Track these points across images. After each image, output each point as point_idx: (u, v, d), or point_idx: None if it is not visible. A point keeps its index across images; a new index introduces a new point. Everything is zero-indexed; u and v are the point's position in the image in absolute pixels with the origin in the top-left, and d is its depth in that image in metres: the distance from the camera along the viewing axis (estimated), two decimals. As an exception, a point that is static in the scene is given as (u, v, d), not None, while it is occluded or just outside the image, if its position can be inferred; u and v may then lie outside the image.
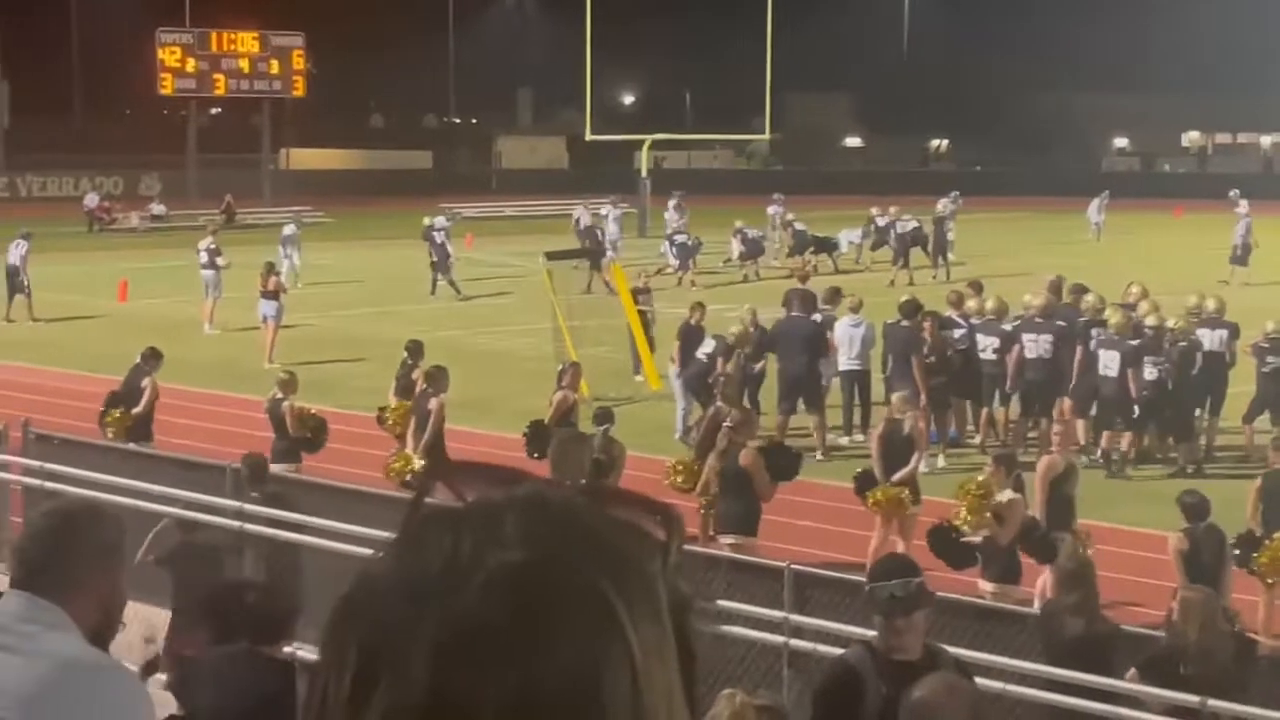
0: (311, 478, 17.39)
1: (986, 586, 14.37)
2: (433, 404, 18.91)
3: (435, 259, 41.09)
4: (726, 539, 15.91)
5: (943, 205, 47.84)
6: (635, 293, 27.45)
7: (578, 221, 48.89)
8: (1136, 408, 22.09)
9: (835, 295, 25.65)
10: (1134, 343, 22.23)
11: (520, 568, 1.24)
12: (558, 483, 1.35)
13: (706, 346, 23.79)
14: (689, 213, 49.36)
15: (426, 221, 42.15)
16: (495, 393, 26.29)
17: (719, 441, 16.60)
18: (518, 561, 1.24)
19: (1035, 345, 22.94)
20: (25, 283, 36.44)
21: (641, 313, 27.34)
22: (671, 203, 48.99)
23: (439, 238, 41.36)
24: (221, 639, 9.12)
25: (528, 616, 1.23)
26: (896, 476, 17.13)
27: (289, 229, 42.47)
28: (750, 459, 15.93)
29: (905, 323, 23.12)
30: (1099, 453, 22.35)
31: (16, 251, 36.65)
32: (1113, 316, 22.74)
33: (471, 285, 41.96)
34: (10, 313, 36.47)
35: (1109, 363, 22.10)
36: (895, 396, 18.80)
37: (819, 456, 22.40)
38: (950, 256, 45.91)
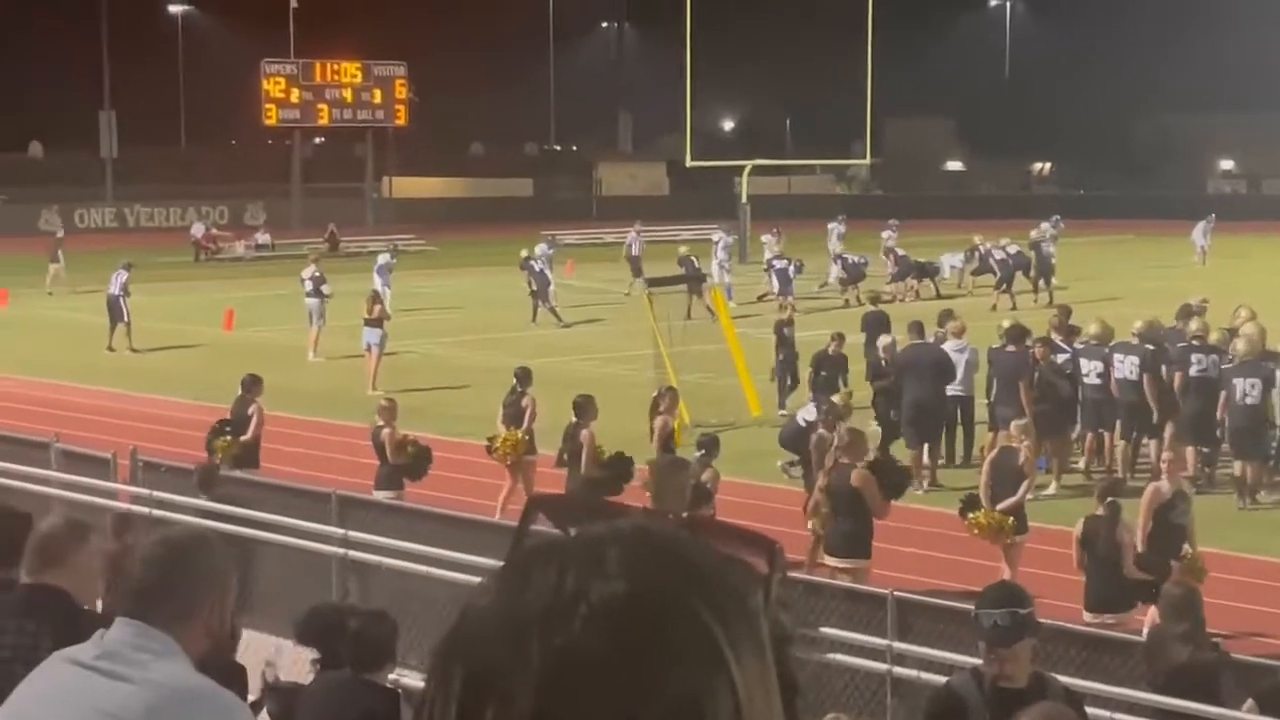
0: (410, 504, 17.48)
1: (1088, 616, 14.23)
2: (584, 436, 18.99)
3: (535, 287, 41.24)
4: (840, 563, 15.79)
5: (1043, 229, 47.51)
6: (780, 325, 27.19)
7: (630, 247, 49.11)
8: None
9: (947, 318, 25.45)
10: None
11: (624, 600, 1.25)
12: (659, 515, 1.36)
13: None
14: (784, 237, 49.27)
15: (524, 254, 42.37)
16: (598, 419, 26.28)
17: (827, 462, 16.51)
18: (621, 593, 1.26)
19: (1122, 366, 22.68)
20: (126, 312, 36.78)
21: (788, 344, 27.05)
22: (766, 236, 48.80)
23: (537, 266, 41.54)
24: (325, 665, 9.18)
25: (632, 648, 1.24)
26: (1002, 505, 16.97)
27: (383, 258, 42.74)
28: (862, 479, 15.84)
29: (1011, 348, 22.90)
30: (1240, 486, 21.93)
31: (117, 281, 37.00)
32: (1238, 344, 22.42)
33: (572, 312, 42.07)
34: (111, 342, 36.82)
35: (1248, 390, 21.77)
36: (1014, 425, 18.61)
37: (924, 488, 22.16)
38: (1053, 281, 45.54)
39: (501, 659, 1.25)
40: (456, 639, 1.30)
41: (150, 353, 36.48)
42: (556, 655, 1.23)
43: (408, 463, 19.12)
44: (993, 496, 17.20)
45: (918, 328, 24.09)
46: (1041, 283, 44.97)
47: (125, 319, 36.70)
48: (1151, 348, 22.88)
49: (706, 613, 1.27)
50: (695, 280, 38.61)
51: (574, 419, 19.30)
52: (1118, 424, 23.13)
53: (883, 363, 23.90)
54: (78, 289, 47.41)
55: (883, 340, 24.76)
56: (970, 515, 17.12)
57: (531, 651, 1.24)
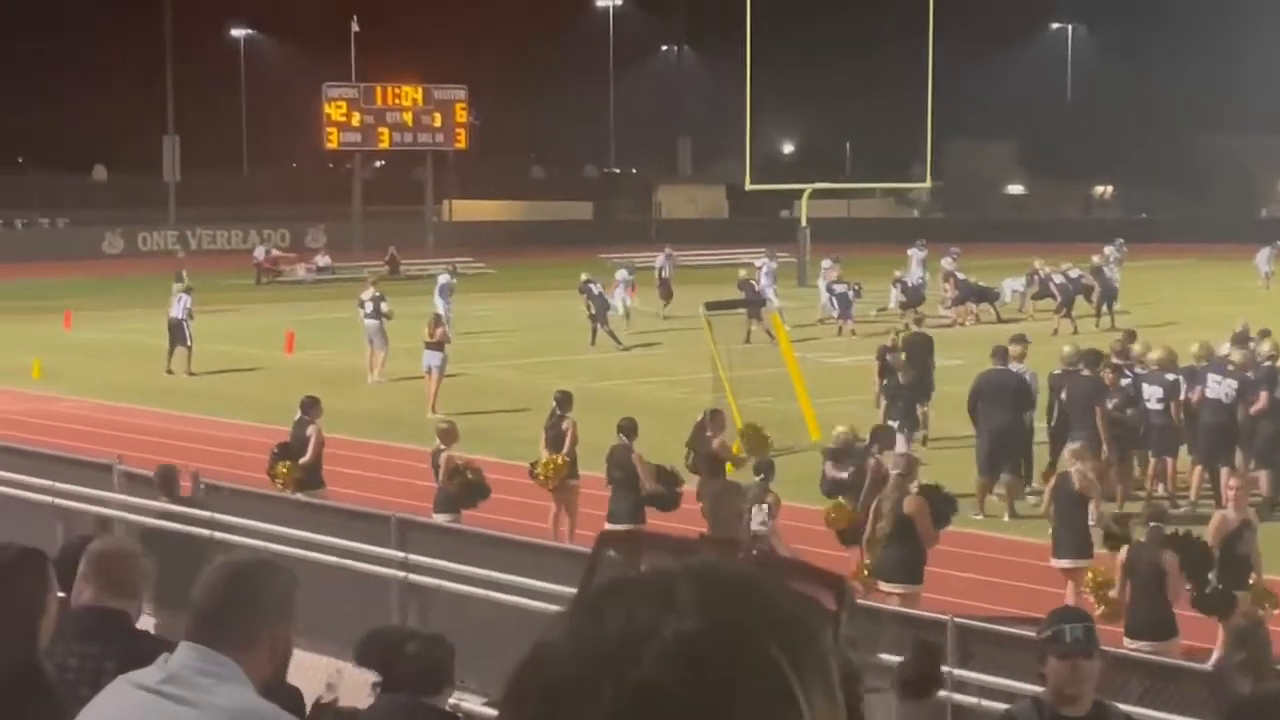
0: (469, 527, 17.51)
1: (1128, 642, 14.11)
2: (633, 457, 19.11)
3: (594, 310, 41.30)
4: (892, 588, 15.75)
5: (1107, 253, 47.32)
6: (884, 350, 27.10)
7: (660, 271, 49.23)
8: None
9: (1020, 342, 25.27)
10: None
11: (695, 637, 1.25)
12: (730, 552, 1.36)
13: None
14: (844, 262, 49.19)
15: (583, 276, 42.48)
16: (656, 444, 26.30)
17: (886, 489, 16.44)
18: (693, 630, 1.26)
19: (1219, 387, 22.47)
20: (189, 336, 36.89)
21: (891, 371, 26.90)
22: (826, 261, 48.65)
23: (596, 289, 41.63)
24: (386, 688, 9.20)
25: (703, 686, 1.24)
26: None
27: (444, 278, 42.89)
28: (915, 505, 15.79)
29: (1087, 372, 22.72)
30: None
31: (180, 305, 37.09)
32: None
33: (630, 335, 42.11)
34: (170, 364, 36.93)
35: None
36: (1067, 448, 18.51)
37: (1006, 518, 22.00)
38: (1116, 305, 45.26)
39: (574, 693, 1.26)
40: (529, 672, 1.31)
41: (211, 375, 36.66)
42: (629, 691, 1.24)
43: (459, 491, 19.10)
44: (1055, 523, 17.12)
45: (1001, 354, 23.70)
46: (1104, 307, 44.67)
47: (188, 342, 36.79)
48: (1250, 374, 22.73)
49: (777, 650, 1.27)
50: (754, 304, 38.54)
51: (623, 439, 19.39)
52: (1181, 449, 22.99)
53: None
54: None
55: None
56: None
57: (603, 686, 1.24)
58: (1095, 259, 47.01)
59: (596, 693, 1.25)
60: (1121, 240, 49.75)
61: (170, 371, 36.62)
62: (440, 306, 39.48)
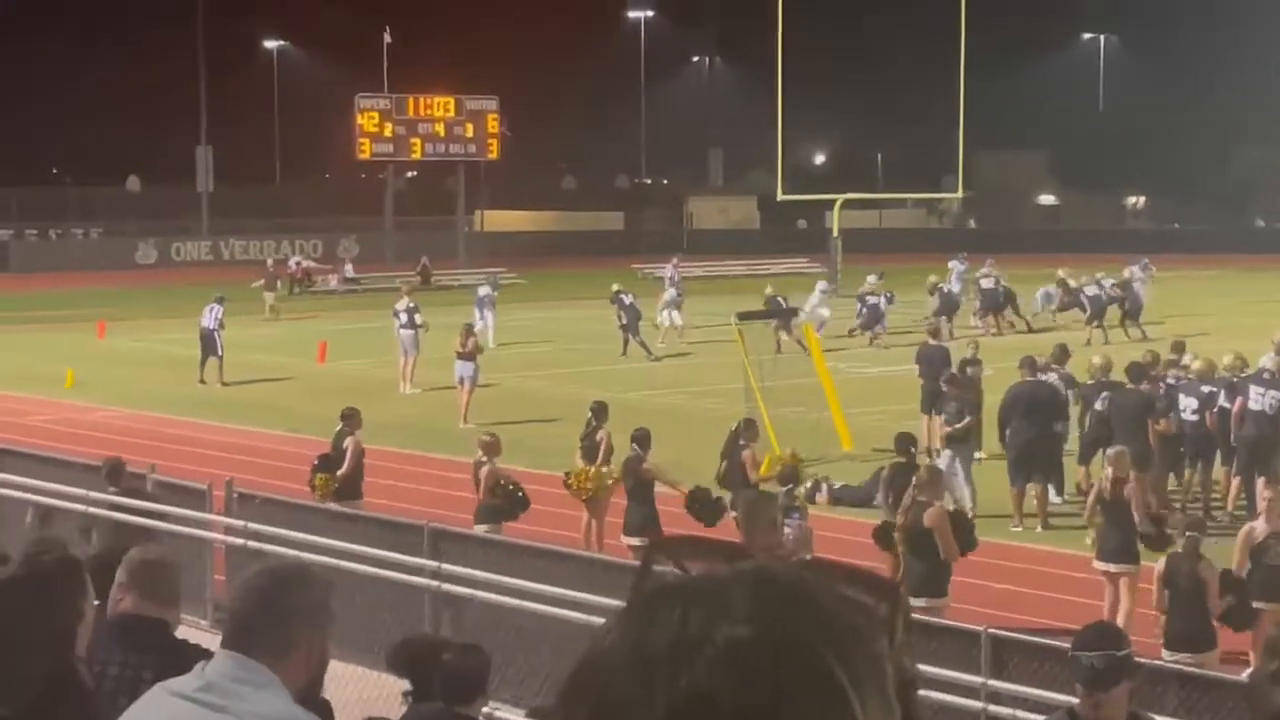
0: (502, 537, 17.52)
1: (1166, 654, 14.05)
2: (646, 468, 19.07)
3: (625, 320, 41.32)
4: (916, 601, 15.64)
5: (1129, 272, 47.28)
6: (964, 364, 26.99)
7: (670, 279, 48.16)
8: None
9: (1063, 353, 25.20)
10: None
11: (749, 643, 1.24)
12: (781, 557, 1.35)
13: None
14: (885, 279, 49.16)
15: (615, 287, 42.52)
16: (688, 454, 26.30)
17: (905, 500, 16.36)
18: (746, 637, 1.25)
19: (1261, 399, 22.36)
20: (220, 346, 36.94)
21: (972, 384, 26.73)
22: (871, 278, 48.51)
23: (627, 299, 41.65)
24: (417, 698, 9.19)
25: (757, 692, 1.23)
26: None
27: (484, 290, 42.93)
28: (936, 518, 15.69)
29: (1130, 385, 22.64)
30: None
31: (212, 315, 37.19)
32: None
33: (660, 346, 42.14)
34: (203, 375, 37.01)
35: None
36: (1108, 454, 18.41)
37: (1039, 529, 21.95)
38: (1141, 319, 45.03)
39: (627, 698, 1.25)
40: (582, 677, 1.30)
41: (245, 385, 36.74)
42: (682, 696, 1.23)
43: (499, 504, 19.06)
44: (1101, 528, 17.07)
45: (1030, 364, 23.67)
46: (1129, 322, 44.62)
47: (219, 353, 36.83)
48: None
49: (831, 656, 1.26)
50: (786, 314, 38.47)
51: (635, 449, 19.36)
52: (1216, 458, 22.92)
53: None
54: (282, 316, 51.18)
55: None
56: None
57: (657, 692, 1.24)
58: (1125, 273, 46.91)
59: (650, 699, 1.24)
60: (1147, 260, 49.62)
61: (203, 382, 36.68)
62: (484, 319, 39.46)
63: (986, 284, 47.12)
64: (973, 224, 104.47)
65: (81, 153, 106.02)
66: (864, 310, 43.81)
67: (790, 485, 16.92)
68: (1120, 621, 15.94)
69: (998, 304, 46.39)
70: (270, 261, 59.28)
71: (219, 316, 37.03)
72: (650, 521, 18.70)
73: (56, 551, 5.80)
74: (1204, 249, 78.52)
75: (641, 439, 19.38)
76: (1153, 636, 14.58)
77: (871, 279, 46.15)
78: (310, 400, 33.22)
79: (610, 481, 20.22)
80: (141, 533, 16.05)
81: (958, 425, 22.88)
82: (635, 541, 18.04)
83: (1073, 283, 46.64)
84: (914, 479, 16.53)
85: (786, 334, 36.79)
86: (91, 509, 16.88)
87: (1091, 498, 17.82)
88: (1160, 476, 22.41)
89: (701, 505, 18.57)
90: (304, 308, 57.59)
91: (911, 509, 15.99)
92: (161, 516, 16.11)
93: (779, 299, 42.59)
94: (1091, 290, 45.19)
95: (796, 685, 1.24)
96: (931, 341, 29.29)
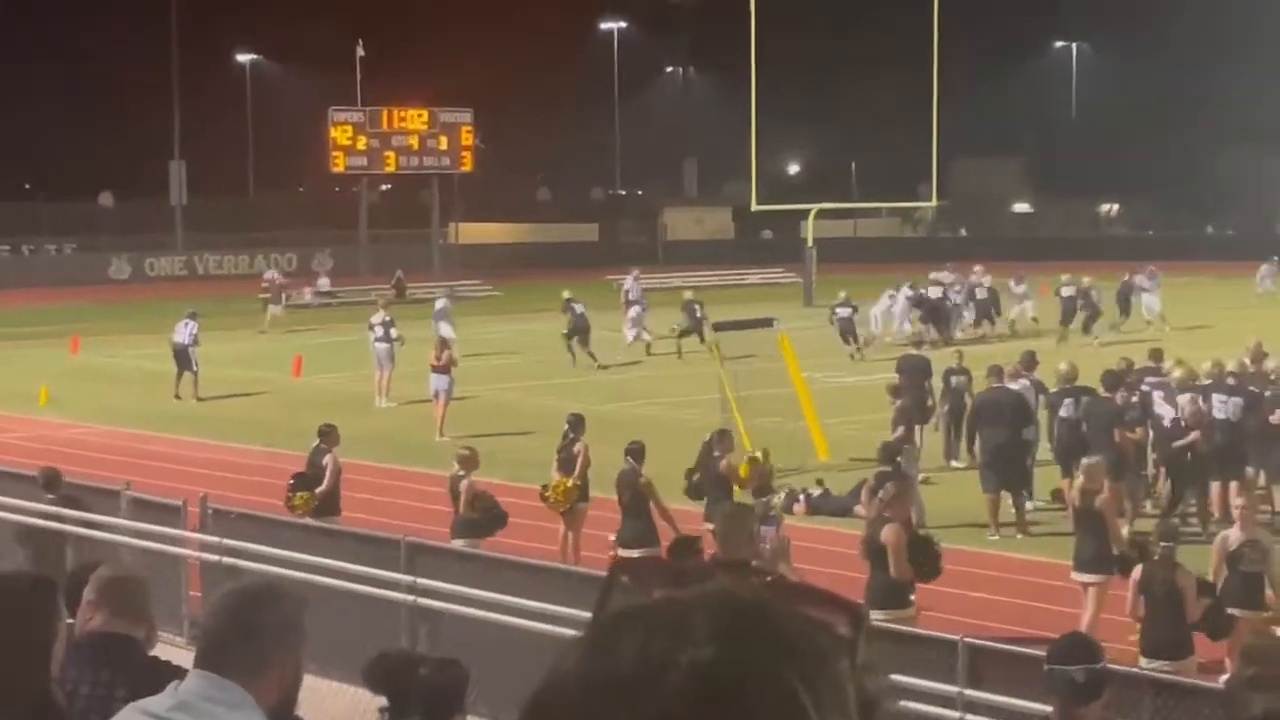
0: (478, 551, 17.49)
1: (1144, 662, 14.04)
2: (642, 482, 19.01)
3: (570, 329, 41.59)
4: (877, 614, 15.40)
5: (1138, 280, 48.11)
6: (947, 373, 26.95)
7: (627, 293, 47.27)
8: None
9: (1030, 360, 25.27)
10: None
11: (712, 666, 1.24)
12: (743, 579, 1.35)
13: None
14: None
15: (566, 295, 42.76)
16: (666, 466, 26.31)
17: (870, 511, 16.29)
18: (709, 660, 1.24)
19: (1224, 407, 22.46)
20: (194, 362, 36.81)
21: (957, 394, 26.66)
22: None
23: (578, 308, 41.85)
24: (394, 714, 9.16)
25: (719, 714, 1.22)
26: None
27: (441, 303, 42.83)
28: (892, 535, 15.40)
29: (1106, 394, 22.69)
30: None
31: (186, 331, 37.03)
32: None
33: (639, 357, 42.16)
34: (178, 390, 36.88)
35: None
36: (1083, 463, 18.45)
37: (1019, 537, 22.00)
38: (1095, 326, 45.51)
39: (589, 724, 1.24)
40: (543, 702, 1.29)
41: (220, 399, 36.65)
42: (646, 720, 1.22)
43: (479, 519, 19.00)
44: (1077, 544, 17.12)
45: (997, 372, 23.84)
46: (1091, 326, 45.30)
47: (194, 368, 36.73)
48: (1255, 390, 22.76)
49: (794, 678, 1.26)
50: (762, 324, 38.47)
51: (629, 463, 19.30)
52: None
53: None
54: (291, 328, 51.62)
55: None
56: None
57: (619, 716, 1.23)
58: (1086, 279, 47.26)
59: (611, 723, 1.23)
60: (1153, 268, 50.20)
61: (178, 397, 36.57)
62: (442, 330, 39.46)
63: (981, 294, 47.67)
64: (947, 233, 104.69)
65: (54, 168, 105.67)
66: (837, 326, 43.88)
67: (767, 497, 16.87)
68: (1085, 628, 16.03)
69: (988, 312, 47.24)
70: (275, 274, 59.10)
71: (194, 332, 36.93)
72: (647, 534, 18.62)
73: (29, 572, 5.78)
74: (1178, 256, 78.72)
75: (636, 452, 19.32)
76: (1126, 643, 14.61)
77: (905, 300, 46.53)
78: (286, 414, 33.16)
79: (579, 498, 20.24)
80: (109, 548, 16.03)
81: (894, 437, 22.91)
82: (634, 554, 17.97)
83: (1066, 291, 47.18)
84: (880, 492, 16.49)
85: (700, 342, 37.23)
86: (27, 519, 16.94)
87: (1072, 507, 17.87)
88: (1134, 484, 22.47)
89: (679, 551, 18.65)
90: (277, 320, 57.40)
91: (875, 522, 15.89)
92: (102, 526, 16.17)
93: (695, 304, 42.78)
94: (1068, 292, 46.00)
95: (760, 708, 1.24)
96: (914, 351, 29.37)
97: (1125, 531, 21.68)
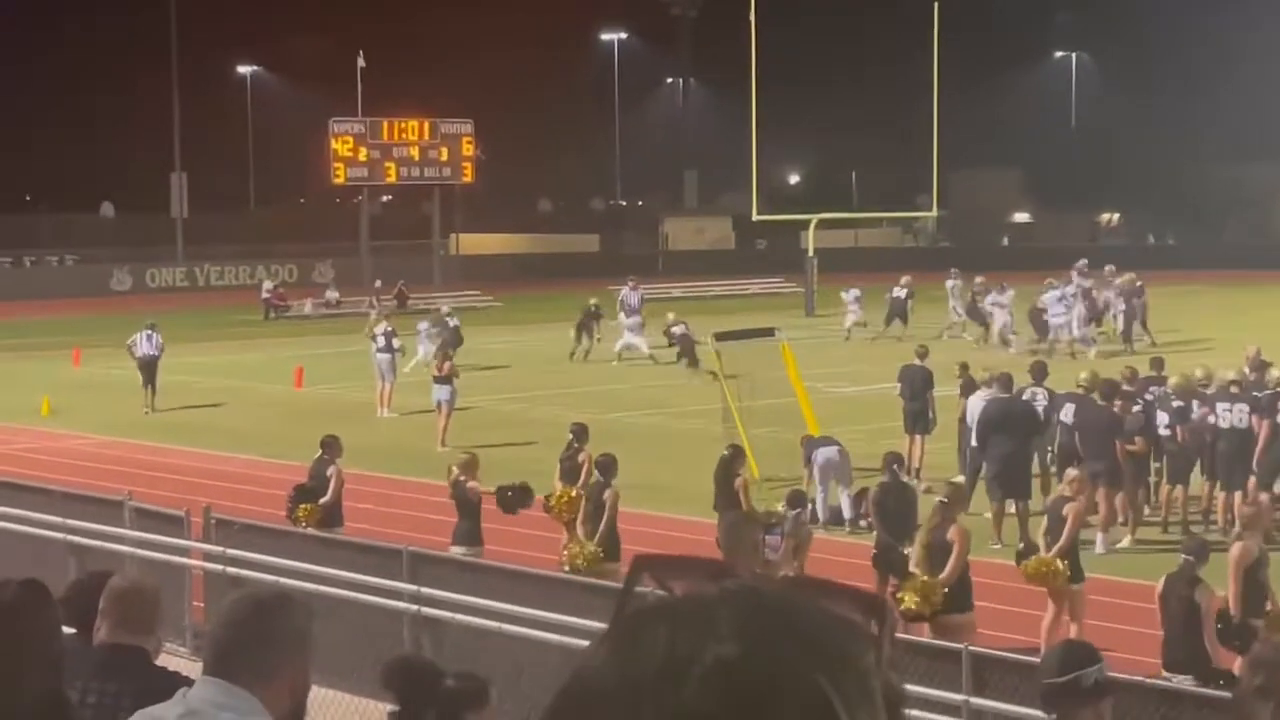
0: (481, 560, 17.46)
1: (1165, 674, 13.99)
2: (607, 495, 18.68)
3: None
4: (948, 618, 15.38)
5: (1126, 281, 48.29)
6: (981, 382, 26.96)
7: (623, 301, 46.80)
8: None
9: (1042, 372, 25.16)
10: None
11: (737, 662, 1.24)
12: (768, 575, 1.35)
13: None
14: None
15: (593, 301, 43.07)
16: (666, 475, 26.31)
17: (931, 518, 16.30)
18: (734, 656, 1.24)
19: (1229, 415, 22.44)
20: (158, 373, 36.47)
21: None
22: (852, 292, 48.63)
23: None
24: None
25: (745, 711, 1.22)
26: (1054, 550, 16.80)
27: (423, 324, 42.52)
28: (959, 533, 15.71)
29: (1101, 402, 22.67)
30: None
31: (151, 343, 36.63)
32: None
33: (641, 366, 42.15)
34: (154, 402, 36.59)
35: None
36: (1068, 472, 18.46)
37: (1020, 545, 21.97)
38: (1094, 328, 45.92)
39: (615, 720, 1.24)
40: (568, 699, 1.29)
41: (223, 409, 36.66)
42: (670, 718, 1.22)
43: (512, 497, 18.87)
44: (1050, 545, 17.10)
45: (1006, 381, 23.66)
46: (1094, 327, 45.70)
47: (156, 380, 36.46)
48: (1260, 394, 22.76)
49: (820, 675, 1.25)
50: (762, 334, 38.52)
51: (597, 476, 19.06)
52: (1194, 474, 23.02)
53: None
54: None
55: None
56: (1023, 563, 17.04)
57: (645, 713, 1.23)
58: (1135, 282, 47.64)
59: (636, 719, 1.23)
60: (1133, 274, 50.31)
61: (150, 411, 36.24)
62: (422, 349, 39.51)
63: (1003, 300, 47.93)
64: (947, 243, 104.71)
65: (55, 180, 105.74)
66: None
67: (798, 510, 16.97)
68: (1045, 630, 16.16)
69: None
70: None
71: (159, 343, 36.74)
72: (610, 550, 18.39)
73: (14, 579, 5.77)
74: (1178, 265, 78.74)
75: (605, 466, 19.03)
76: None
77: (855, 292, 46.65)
78: (288, 425, 33.15)
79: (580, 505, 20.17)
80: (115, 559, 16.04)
81: None
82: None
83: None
84: (941, 496, 16.53)
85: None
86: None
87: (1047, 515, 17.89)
88: (1132, 493, 22.48)
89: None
90: (279, 331, 57.44)
91: (937, 525, 15.93)
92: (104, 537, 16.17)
93: (679, 324, 42.80)
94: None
95: (786, 704, 1.24)
96: (916, 362, 29.32)
97: (1126, 541, 21.78)
